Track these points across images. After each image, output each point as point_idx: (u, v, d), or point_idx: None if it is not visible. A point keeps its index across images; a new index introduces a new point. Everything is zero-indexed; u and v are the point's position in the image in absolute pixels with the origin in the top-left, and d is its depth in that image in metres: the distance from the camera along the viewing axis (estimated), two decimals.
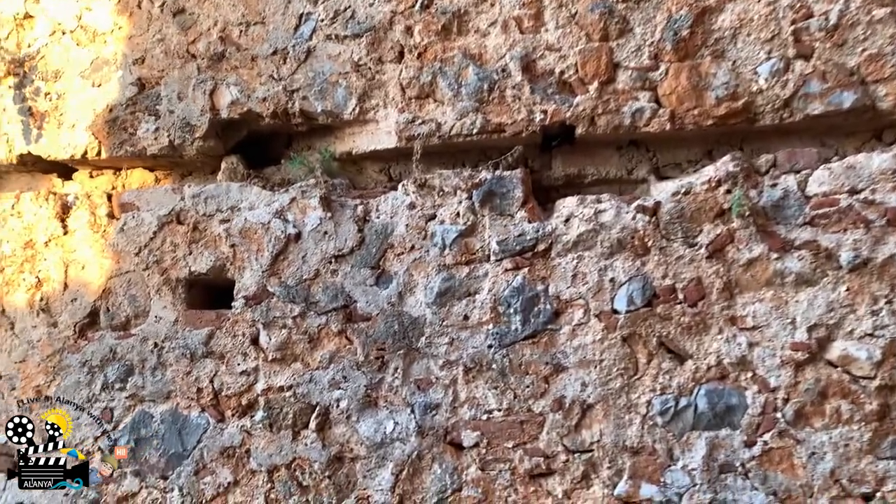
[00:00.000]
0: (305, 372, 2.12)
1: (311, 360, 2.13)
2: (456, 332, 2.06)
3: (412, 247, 2.11)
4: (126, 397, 2.18)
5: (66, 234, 2.25)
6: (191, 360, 2.16)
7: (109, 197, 2.25)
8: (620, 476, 1.93)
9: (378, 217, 2.14)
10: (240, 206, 2.19)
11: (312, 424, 2.10)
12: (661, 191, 2.00)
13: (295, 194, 2.18)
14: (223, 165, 2.27)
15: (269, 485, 2.11)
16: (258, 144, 2.35)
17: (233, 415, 2.14)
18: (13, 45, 2.30)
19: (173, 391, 2.16)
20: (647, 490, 1.91)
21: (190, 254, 2.20)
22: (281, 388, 2.13)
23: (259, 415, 2.12)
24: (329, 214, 2.15)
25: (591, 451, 1.95)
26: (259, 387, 2.13)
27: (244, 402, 2.14)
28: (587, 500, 1.95)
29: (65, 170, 2.39)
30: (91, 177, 2.37)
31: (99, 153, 2.25)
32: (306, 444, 2.10)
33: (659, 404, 1.92)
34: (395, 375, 2.09)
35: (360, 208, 2.15)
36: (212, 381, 2.15)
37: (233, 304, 2.17)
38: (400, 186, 2.15)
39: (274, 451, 2.11)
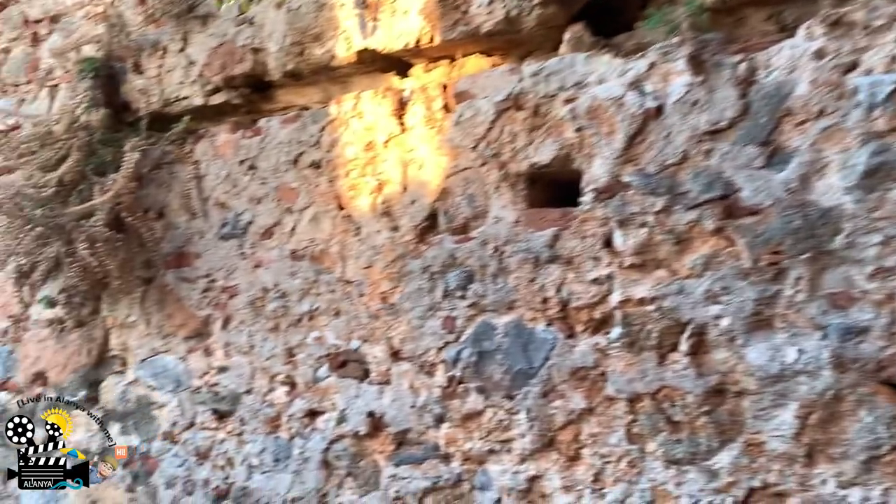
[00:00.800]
0: (672, 281, 1.69)
1: (680, 267, 1.69)
2: (894, 227, 1.44)
3: (821, 111, 1.52)
4: (467, 306, 1.96)
5: (403, 132, 2.09)
6: (534, 266, 1.86)
7: (445, 88, 2.03)
8: None
9: (769, 75, 1.59)
10: (587, 80, 1.81)
11: (683, 346, 1.67)
12: None
13: (654, 58, 1.72)
14: (566, 36, 1.90)
15: (630, 416, 1.74)
16: (606, 13, 1.93)
17: (584, 330, 1.80)
18: None
19: (516, 301, 1.89)
20: None
21: (530, 143, 1.88)
22: (641, 301, 1.72)
23: (615, 332, 1.75)
24: (700, 79, 1.66)
25: None
26: (614, 298, 1.75)
27: (597, 315, 1.78)
28: None
29: (402, 67, 2.23)
30: (426, 71, 2.18)
31: (432, 40, 2.03)
32: (676, 371, 1.68)
33: None
34: (798, 288, 1.55)
35: (742, 66, 1.62)
36: (558, 291, 1.83)
37: (580, 199, 1.81)
38: (801, 30, 1.57)
39: (635, 376, 1.73)
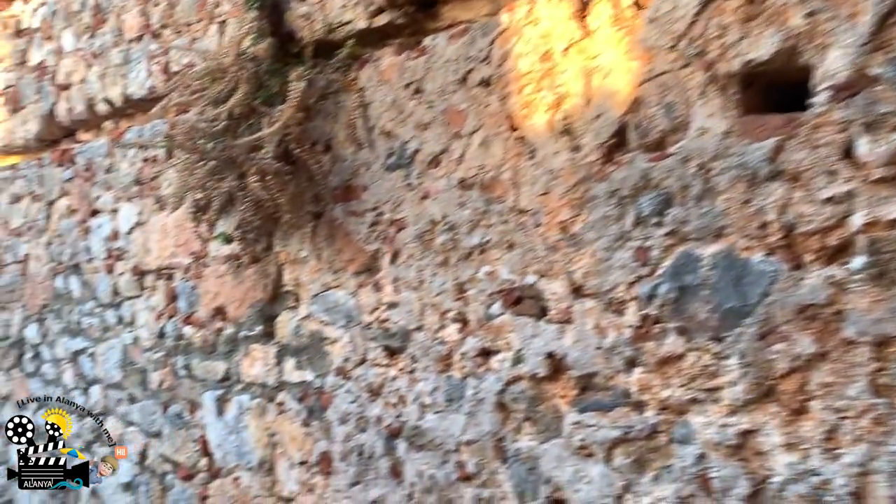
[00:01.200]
0: None
1: None
2: None
3: None
4: (664, 234, 1.70)
5: (585, 36, 1.83)
6: (750, 185, 1.56)
7: None
8: None
9: None
10: None
11: None
12: None
13: None
14: None
15: (875, 364, 1.42)
16: None
17: (814, 260, 1.48)
18: None
19: (727, 227, 1.60)
20: None
21: (744, 37, 1.56)
22: (893, 223, 1.39)
23: (858, 261, 1.42)
24: None
25: None
26: (856, 221, 1.42)
27: (832, 242, 1.46)
28: None
29: None
30: None
31: None
32: None
33: None
34: None
35: None
36: (782, 213, 1.52)
37: (810, 101, 1.48)
38: None
39: (884, 315, 1.40)
